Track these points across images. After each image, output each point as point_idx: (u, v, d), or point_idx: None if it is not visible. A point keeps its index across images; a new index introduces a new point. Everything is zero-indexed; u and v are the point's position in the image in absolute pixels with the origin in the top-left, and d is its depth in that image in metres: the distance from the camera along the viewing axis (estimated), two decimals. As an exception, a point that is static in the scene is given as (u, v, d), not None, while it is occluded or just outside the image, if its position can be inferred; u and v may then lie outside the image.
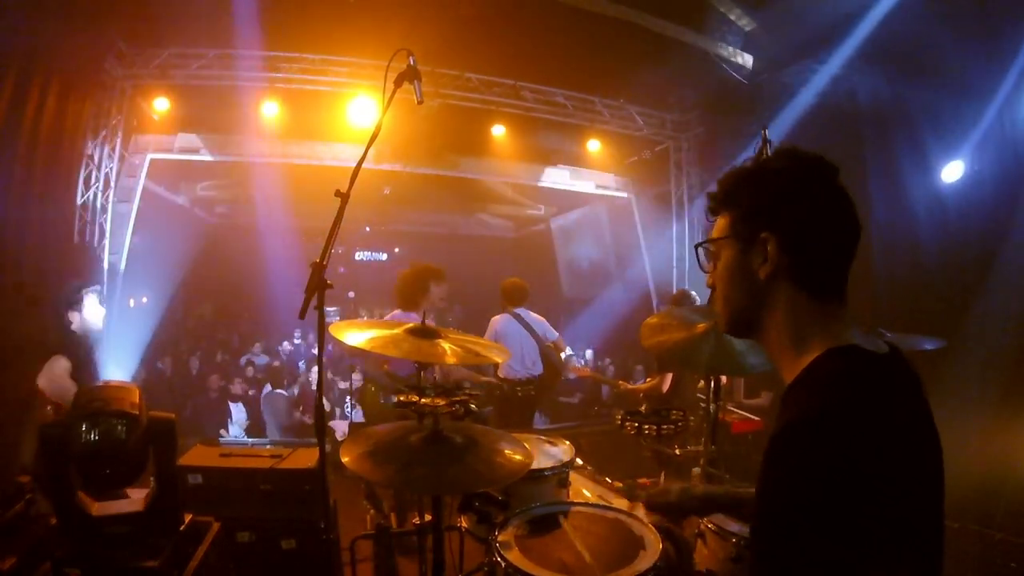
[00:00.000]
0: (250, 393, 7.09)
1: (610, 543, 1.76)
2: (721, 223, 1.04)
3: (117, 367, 5.72)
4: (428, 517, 2.01)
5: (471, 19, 5.09)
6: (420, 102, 1.84)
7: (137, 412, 1.79)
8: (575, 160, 7.85)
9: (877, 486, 0.77)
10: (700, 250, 1.09)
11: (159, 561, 1.73)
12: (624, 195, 8.31)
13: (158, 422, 1.85)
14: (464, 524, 2.24)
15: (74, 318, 3.12)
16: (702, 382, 3.53)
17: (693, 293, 4.61)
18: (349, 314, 11.29)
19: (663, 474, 3.04)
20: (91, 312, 3.15)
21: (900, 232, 4.48)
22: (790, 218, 0.94)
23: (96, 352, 3.32)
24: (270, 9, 5.09)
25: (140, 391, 1.91)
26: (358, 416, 6.41)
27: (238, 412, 6.73)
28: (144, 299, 8.34)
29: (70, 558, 1.72)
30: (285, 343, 9.92)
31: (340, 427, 6.19)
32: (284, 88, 6.02)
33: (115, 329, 5.77)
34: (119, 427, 1.72)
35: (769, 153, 2.19)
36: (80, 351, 3.08)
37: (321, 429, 1.78)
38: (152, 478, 1.93)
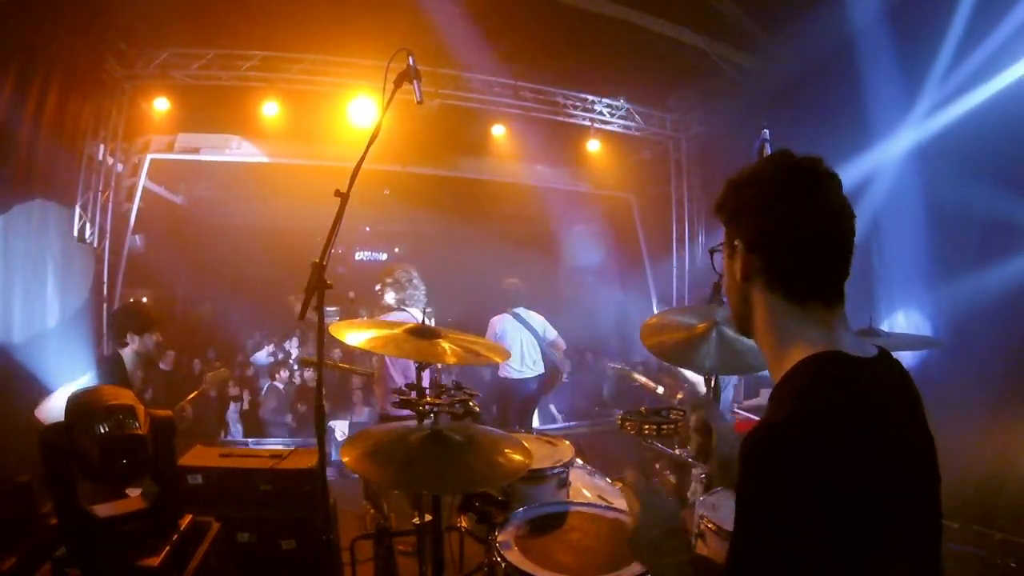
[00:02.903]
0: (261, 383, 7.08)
1: (610, 543, 1.76)
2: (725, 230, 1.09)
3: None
4: (428, 517, 2.01)
5: (471, 19, 5.09)
6: (420, 102, 1.84)
7: (141, 407, 1.80)
8: (575, 160, 7.85)
9: (839, 492, 0.78)
10: (715, 255, 1.14)
11: (159, 561, 1.73)
12: (624, 195, 8.32)
13: (157, 420, 1.86)
14: (464, 524, 2.24)
15: (132, 340, 3.20)
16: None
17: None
18: (349, 314, 11.26)
19: (666, 474, 3.04)
20: (149, 341, 3.25)
21: (900, 230, 4.47)
22: (754, 223, 0.98)
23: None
24: (270, 9, 5.09)
25: (132, 393, 1.93)
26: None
27: (231, 413, 6.72)
28: (144, 299, 8.34)
29: (70, 558, 1.72)
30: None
31: (340, 427, 6.19)
32: (284, 88, 6.02)
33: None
34: (130, 420, 1.73)
35: (768, 151, 2.19)
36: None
37: (321, 429, 1.78)
38: (151, 477, 1.93)
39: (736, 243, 1.00)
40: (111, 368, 3.16)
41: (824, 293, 0.97)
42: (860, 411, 0.85)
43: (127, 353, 3.22)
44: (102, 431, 1.70)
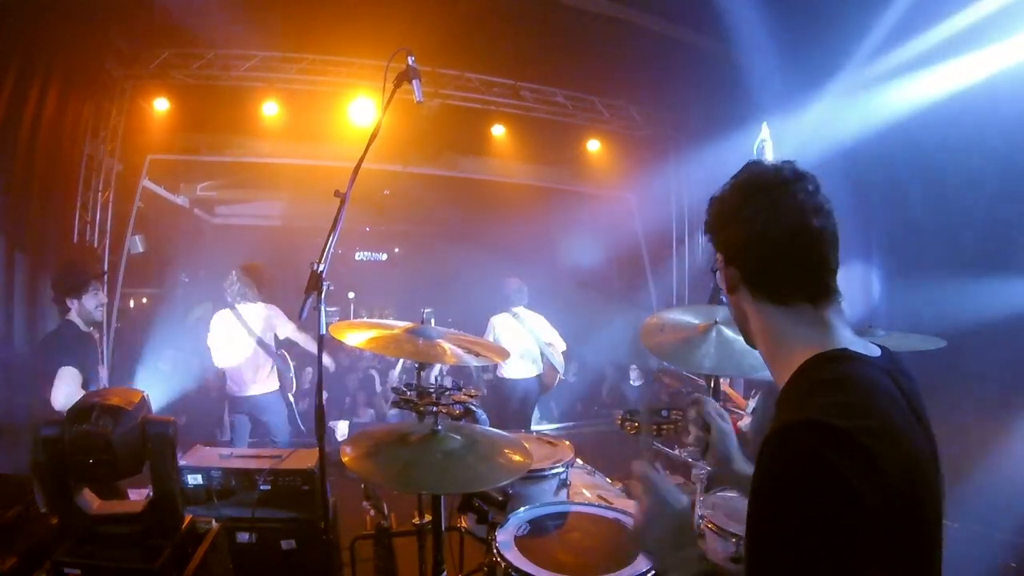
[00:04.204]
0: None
1: (610, 543, 1.76)
2: None
3: (117, 368, 5.72)
4: (428, 517, 2.01)
5: (471, 19, 5.08)
6: (420, 102, 1.84)
7: (130, 409, 1.76)
8: (575, 160, 7.85)
9: (866, 488, 0.77)
10: (716, 275, 1.17)
11: (159, 562, 1.73)
12: (624, 195, 8.31)
13: (154, 424, 1.82)
14: (464, 524, 2.24)
15: (72, 304, 3.08)
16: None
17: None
18: (349, 314, 11.27)
19: (665, 473, 3.03)
20: (91, 301, 3.11)
21: (899, 230, 4.47)
22: (724, 236, 1.05)
23: (96, 346, 3.29)
24: (270, 9, 5.09)
25: (144, 395, 1.91)
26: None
27: (229, 414, 6.69)
28: (144, 299, 8.35)
29: (70, 558, 1.72)
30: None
31: (340, 427, 6.18)
32: (284, 88, 6.02)
33: (115, 331, 5.78)
34: (105, 420, 1.70)
35: (769, 149, 2.19)
36: (80, 344, 3.04)
37: (321, 429, 1.78)
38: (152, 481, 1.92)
39: (718, 256, 1.06)
40: (61, 342, 2.98)
41: (807, 292, 0.98)
42: (871, 410, 0.85)
43: (75, 319, 3.06)
44: (74, 428, 1.69)
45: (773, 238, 0.97)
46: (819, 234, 0.97)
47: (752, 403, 4.31)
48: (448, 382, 2.15)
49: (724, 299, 1.14)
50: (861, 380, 0.89)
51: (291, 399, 4.65)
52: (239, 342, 4.30)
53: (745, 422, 4.25)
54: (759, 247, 0.99)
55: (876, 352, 0.98)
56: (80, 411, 1.73)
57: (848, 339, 0.96)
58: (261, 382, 4.36)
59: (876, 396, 0.87)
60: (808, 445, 0.79)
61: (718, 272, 1.09)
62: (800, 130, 4.42)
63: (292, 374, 4.68)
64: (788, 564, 0.77)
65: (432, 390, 1.98)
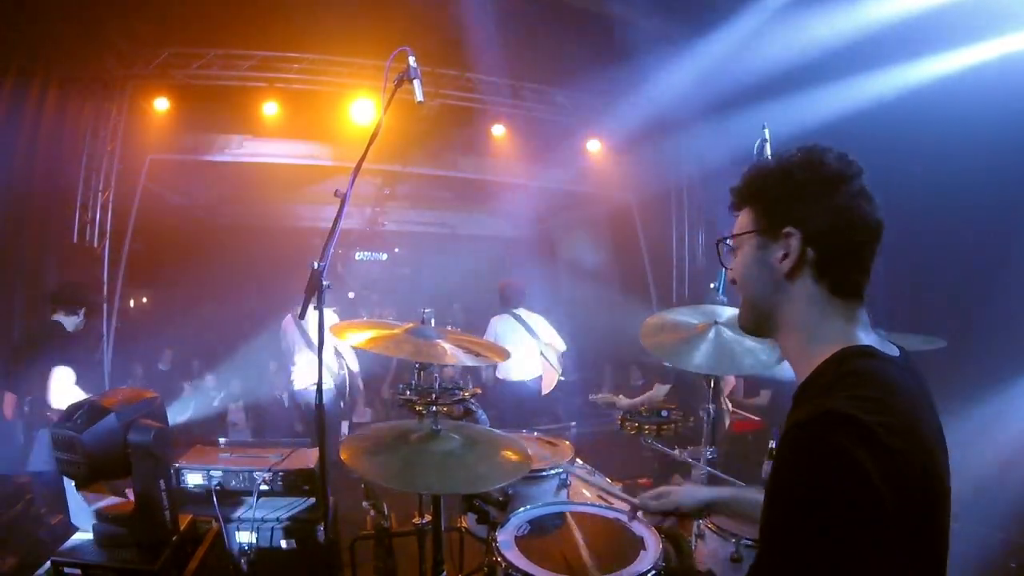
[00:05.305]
0: None
1: (610, 543, 1.76)
2: (743, 219, 1.04)
3: (117, 368, 5.72)
4: (428, 517, 2.01)
5: (471, 19, 5.08)
6: (421, 102, 1.84)
7: (114, 411, 1.73)
8: (575, 160, 7.84)
9: (886, 487, 0.76)
10: (721, 246, 1.10)
11: (159, 562, 1.73)
12: (624, 195, 8.31)
13: (137, 430, 1.75)
14: (464, 524, 2.24)
15: (79, 313, 3.31)
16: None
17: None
18: (349, 314, 11.23)
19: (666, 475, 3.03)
20: (70, 321, 3.31)
21: (899, 229, 4.45)
22: (815, 213, 0.95)
23: (96, 351, 3.39)
24: (270, 9, 5.09)
25: (149, 397, 1.88)
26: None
27: (236, 414, 6.69)
28: (144, 299, 8.36)
29: (70, 558, 1.72)
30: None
31: (340, 427, 6.17)
32: (284, 88, 6.02)
33: (115, 331, 5.78)
34: (83, 420, 1.69)
35: (769, 149, 2.18)
36: (77, 348, 3.24)
37: (321, 429, 1.78)
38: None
39: (787, 231, 0.96)
40: (51, 343, 3.17)
41: (860, 289, 0.97)
42: (899, 407, 0.84)
43: (70, 322, 3.29)
44: (57, 425, 1.69)
45: (863, 227, 0.95)
46: (881, 228, 0.97)
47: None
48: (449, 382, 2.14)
49: (739, 277, 1.05)
50: (886, 377, 0.89)
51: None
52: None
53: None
54: (850, 233, 0.94)
55: (895, 351, 0.98)
56: (72, 410, 1.73)
57: (871, 337, 0.96)
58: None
59: (899, 394, 0.87)
60: (833, 438, 0.78)
61: (763, 247, 0.99)
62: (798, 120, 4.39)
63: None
64: (805, 556, 0.77)
65: (433, 390, 1.98)
